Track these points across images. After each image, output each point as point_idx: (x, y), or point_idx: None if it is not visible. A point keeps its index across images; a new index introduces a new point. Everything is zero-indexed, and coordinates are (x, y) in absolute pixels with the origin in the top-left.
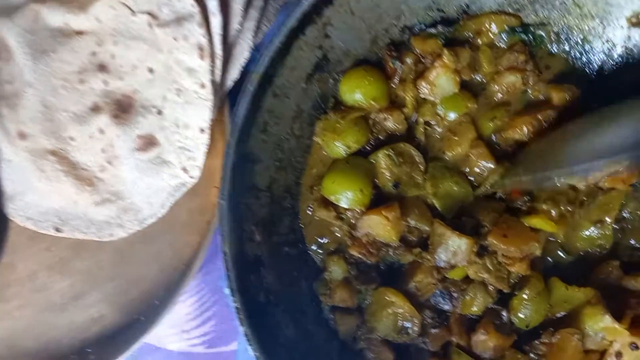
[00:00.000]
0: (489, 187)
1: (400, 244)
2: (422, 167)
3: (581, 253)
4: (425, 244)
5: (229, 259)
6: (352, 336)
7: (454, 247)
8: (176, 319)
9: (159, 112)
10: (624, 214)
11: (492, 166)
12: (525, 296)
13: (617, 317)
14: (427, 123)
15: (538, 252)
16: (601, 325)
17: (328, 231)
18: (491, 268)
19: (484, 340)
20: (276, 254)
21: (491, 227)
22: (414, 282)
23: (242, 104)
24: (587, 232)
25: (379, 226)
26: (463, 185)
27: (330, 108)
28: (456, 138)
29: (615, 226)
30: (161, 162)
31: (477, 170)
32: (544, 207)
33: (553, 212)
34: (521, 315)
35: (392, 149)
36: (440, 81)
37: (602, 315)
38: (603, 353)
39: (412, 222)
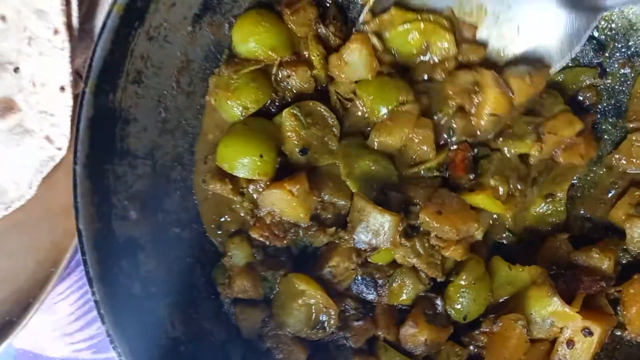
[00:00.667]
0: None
1: (312, 223)
2: (335, 131)
3: (529, 231)
4: (343, 222)
5: (86, 239)
6: (258, 334)
7: (375, 226)
8: (57, 321)
9: (16, 70)
10: (572, 181)
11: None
12: (462, 282)
13: (567, 299)
14: (343, 97)
15: (479, 236)
16: (549, 310)
17: (228, 208)
18: (421, 252)
19: (414, 334)
20: (161, 236)
21: (423, 203)
22: (329, 267)
23: (101, 45)
24: (537, 209)
25: (283, 202)
26: (383, 164)
27: (224, 61)
28: (390, 123)
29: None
30: (23, 132)
31: (412, 154)
32: (492, 182)
33: (501, 190)
34: (458, 306)
35: (299, 107)
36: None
37: (549, 298)
38: (553, 342)
39: (326, 197)
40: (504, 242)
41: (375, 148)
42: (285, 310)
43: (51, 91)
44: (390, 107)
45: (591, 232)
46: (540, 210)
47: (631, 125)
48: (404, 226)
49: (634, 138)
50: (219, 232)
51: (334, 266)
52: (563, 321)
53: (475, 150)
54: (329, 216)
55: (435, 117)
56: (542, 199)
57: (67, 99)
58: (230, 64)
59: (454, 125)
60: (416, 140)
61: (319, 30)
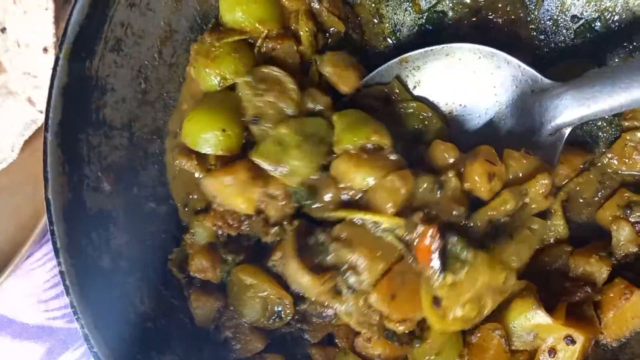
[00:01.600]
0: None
1: (257, 217)
2: (293, 95)
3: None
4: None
5: (55, 210)
6: (214, 324)
7: (296, 279)
8: (32, 287)
9: (3, 30)
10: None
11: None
12: (427, 347)
13: (550, 307)
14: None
15: None
16: (532, 322)
17: (196, 185)
18: (353, 312)
19: (366, 347)
20: (136, 210)
21: (372, 276)
22: (272, 261)
23: (78, 8)
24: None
25: (223, 191)
26: None
27: (208, 29)
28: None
29: None
30: (6, 93)
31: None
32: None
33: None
34: None
35: (252, 73)
36: None
37: (534, 311)
38: (534, 353)
39: (270, 190)
40: None
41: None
42: (240, 301)
43: (34, 52)
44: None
45: (576, 235)
46: (540, 229)
47: (626, 124)
48: (333, 285)
49: (627, 137)
50: (186, 210)
51: (275, 261)
52: (546, 332)
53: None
54: (273, 213)
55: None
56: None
57: (50, 61)
58: (214, 32)
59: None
60: (383, 187)
61: (312, 5)
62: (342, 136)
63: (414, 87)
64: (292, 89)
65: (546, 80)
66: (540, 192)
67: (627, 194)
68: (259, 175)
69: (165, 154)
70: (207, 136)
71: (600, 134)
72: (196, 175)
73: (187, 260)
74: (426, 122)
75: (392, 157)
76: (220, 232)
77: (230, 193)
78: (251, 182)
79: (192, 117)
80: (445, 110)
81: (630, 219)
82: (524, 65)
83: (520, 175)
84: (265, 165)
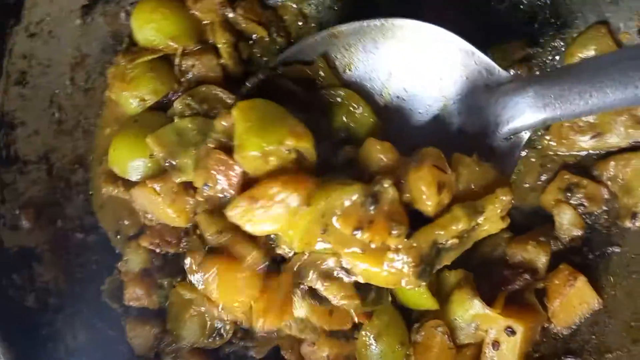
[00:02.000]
0: None
1: (195, 234)
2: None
3: None
4: None
5: None
6: (154, 351)
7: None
8: None
9: None
10: None
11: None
12: (365, 339)
13: (492, 299)
14: None
15: None
16: (471, 313)
17: (127, 211)
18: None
19: (314, 351)
20: (62, 244)
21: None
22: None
23: None
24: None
25: (152, 203)
26: None
27: (121, 50)
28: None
29: None
30: None
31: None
32: None
33: None
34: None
35: (192, 95)
36: None
37: (470, 300)
38: (481, 346)
39: (191, 202)
40: None
41: None
42: (179, 323)
43: None
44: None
45: (521, 222)
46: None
47: None
48: None
49: None
50: (118, 237)
51: None
52: (486, 323)
53: None
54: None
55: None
56: None
57: None
58: (127, 53)
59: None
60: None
61: (226, 15)
62: (244, 139)
63: (344, 70)
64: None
65: (504, 73)
66: (498, 211)
67: (567, 176)
68: (191, 185)
69: (90, 182)
70: (135, 164)
71: None
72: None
73: (121, 289)
74: (357, 115)
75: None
76: (158, 250)
77: (161, 204)
78: (182, 191)
79: (117, 145)
80: (381, 101)
81: (571, 202)
82: (478, 53)
83: (473, 187)
84: (156, 151)
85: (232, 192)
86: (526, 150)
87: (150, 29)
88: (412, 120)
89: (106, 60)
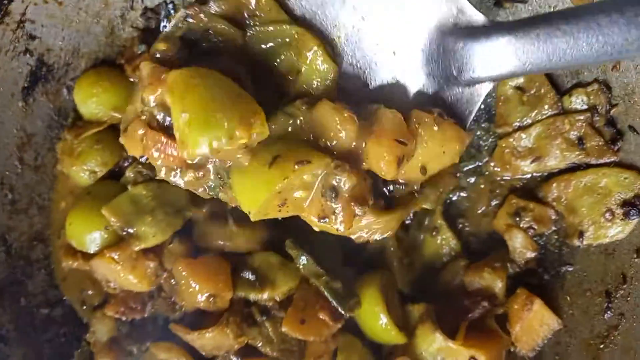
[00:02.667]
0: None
1: (160, 296)
2: None
3: (429, 268)
4: None
5: None
6: None
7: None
8: None
9: None
10: (452, 198)
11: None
12: None
13: (455, 330)
14: None
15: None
16: (435, 347)
17: (90, 281)
18: (273, 338)
19: None
20: (27, 321)
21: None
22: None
23: None
24: (429, 247)
25: (112, 271)
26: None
27: (68, 126)
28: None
29: None
30: None
31: None
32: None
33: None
34: None
35: (141, 163)
36: None
37: (432, 334)
38: None
39: (166, 264)
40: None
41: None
42: None
43: None
44: None
45: (478, 248)
46: (433, 246)
47: (499, 131)
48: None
49: (504, 145)
50: (84, 308)
51: None
52: (451, 356)
53: None
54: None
55: None
56: (429, 235)
57: None
58: (73, 128)
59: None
60: None
61: None
62: (186, 135)
63: None
64: None
65: (479, 16)
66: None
67: (514, 201)
68: (150, 249)
69: (51, 256)
70: (92, 236)
71: (481, 143)
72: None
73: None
74: (310, 62)
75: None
76: (124, 318)
77: (122, 272)
78: (141, 257)
79: (72, 219)
80: (334, 35)
81: (521, 225)
82: None
83: (431, 146)
84: (112, 221)
85: (175, 167)
86: (474, 177)
87: (93, 102)
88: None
89: (53, 135)
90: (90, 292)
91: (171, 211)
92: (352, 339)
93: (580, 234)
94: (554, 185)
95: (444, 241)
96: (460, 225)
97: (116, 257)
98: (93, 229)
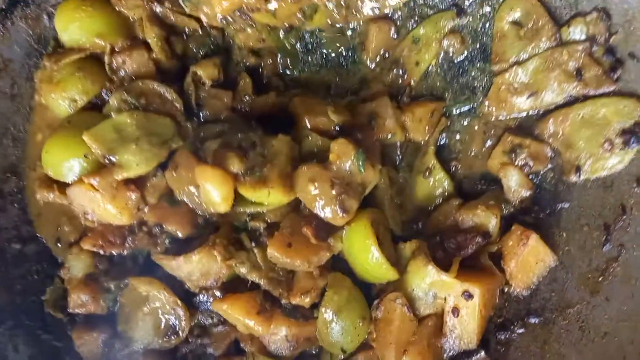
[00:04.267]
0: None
1: (141, 230)
2: (178, 106)
3: (422, 211)
4: None
5: None
6: (105, 358)
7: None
8: None
9: None
10: (442, 142)
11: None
12: (326, 317)
13: (448, 266)
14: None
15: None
16: (427, 281)
17: (66, 217)
18: (261, 264)
19: (272, 332)
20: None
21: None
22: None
23: None
24: (422, 189)
25: (91, 200)
26: None
27: (47, 53)
28: None
29: None
30: None
31: None
32: None
33: None
34: (332, 340)
35: (127, 90)
36: None
37: (425, 268)
38: (442, 316)
39: (149, 197)
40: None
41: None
42: (131, 324)
43: None
44: None
45: (470, 190)
46: (425, 188)
47: (495, 68)
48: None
49: (499, 82)
50: (59, 246)
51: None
52: (444, 290)
53: None
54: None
55: None
56: (421, 176)
57: None
58: (53, 55)
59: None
60: None
61: (154, 9)
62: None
63: None
64: (175, 98)
65: None
66: None
67: (510, 138)
68: (132, 181)
69: (25, 191)
70: (70, 164)
71: (476, 84)
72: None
73: (65, 298)
74: None
75: None
76: (102, 252)
77: (101, 201)
78: (122, 187)
79: (50, 147)
80: None
81: (517, 163)
82: None
83: None
84: (94, 148)
85: None
86: (467, 119)
87: (75, 27)
88: None
89: (32, 64)
90: (66, 228)
91: (156, 142)
92: (341, 276)
93: (577, 169)
94: (551, 120)
95: (437, 182)
96: (453, 168)
97: (95, 183)
98: (71, 156)
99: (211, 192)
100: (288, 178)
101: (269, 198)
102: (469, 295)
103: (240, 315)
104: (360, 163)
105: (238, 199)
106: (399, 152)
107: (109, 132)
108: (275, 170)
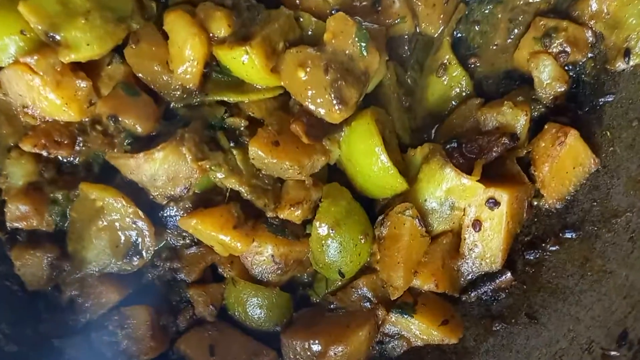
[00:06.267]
0: None
1: (94, 129)
2: None
3: (436, 118)
4: None
5: None
6: (52, 283)
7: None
8: None
9: None
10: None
11: None
12: (320, 232)
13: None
14: None
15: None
16: (444, 188)
17: (4, 115)
18: (242, 168)
19: (257, 251)
20: None
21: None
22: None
23: None
24: (435, 90)
25: (30, 88)
26: None
27: None
28: None
29: None
30: None
31: None
32: None
33: None
34: (327, 260)
35: None
36: None
37: (441, 171)
38: (459, 234)
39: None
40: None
41: None
42: (83, 242)
43: None
44: None
45: (493, 90)
46: (439, 89)
47: None
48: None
49: None
50: None
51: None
52: (463, 198)
53: None
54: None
55: None
56: (433, 75)
57: None
58: None
59: None
60: None
61: None
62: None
63: None
64: None
65: None
66: None
67: (543, 22)
68: (81, 66)
69: None
70: (4, 44)
71: None
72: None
73: (2, 212)
74: None
75: None
76: (46, 153)
77: (42, 89)
78: (68, 72)
79: None
80: None
81: (551, 50)
82: None
83: None
84: (32, 22)
85: None
86: (489, 7)
87: None
88: None
89: None
90: (3, 130)
91: (112, 18)
92: (339, 187)
93: (627, 53)
94: None
95: (453, 81)
96: (472, 66)
97: (33, 63)
98: (5, 33)
99: (182, 47)
100: (274, 53)
101: (247, 67)
102: (494, 203)
103: (213, 230)
104: (363, 44)
105: (211, 82)
106: (407, 48)
107: (51, 3)
108: (261, 32)
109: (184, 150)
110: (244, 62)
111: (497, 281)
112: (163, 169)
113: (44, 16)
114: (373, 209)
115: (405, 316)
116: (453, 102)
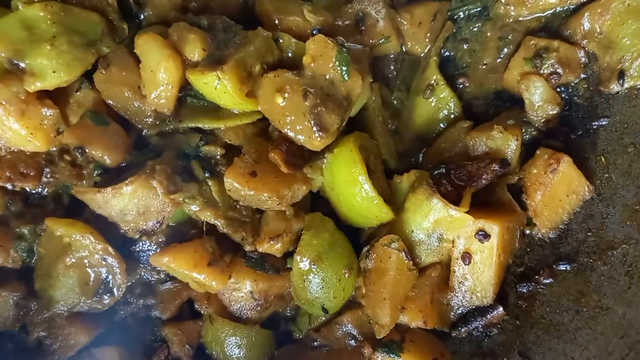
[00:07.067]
0: None
1: (62, 160)
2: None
3: (422, 141)
4: None
5: None
6: (19, 324)
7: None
8: None
9: None
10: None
11: None
12: (301, 267)
13: (457, 203)
14: None
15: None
16: (431, 219)
17: None
18: (218, 200)
19: (234, 288)
20: None
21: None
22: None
23: None
24: (421, 111)
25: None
26: None
27: None
28: None
29: None
30: None
31: None
32: None
33: None
34: (309, 296)
35: None
36: None
37: (428, 201)
38: (447, 264)
39: (71, 109)
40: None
41: None
42: (50, 279)
43: None
44: None
45: (483, 112)
46: (427, 110)
47: None
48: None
49: None
50: None
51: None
52: (452, 230)
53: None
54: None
55: None
56: (420, 96)
57: None
58: None
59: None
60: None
61: None
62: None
63: None
64: None
65: None
66: None
67: (533, 41)
68: (47, 93)
69: None
70: None
71: None
72: None
73: None
74: None
75: None
76: (11, 186)
77: (6, 118)
78: (33, 100)
79: None
80: None
81: (542, 72)
82: None
83: None
84: None
85: None
86: (478, 24)
87: None
88: None
89: None
90: None
91: (80, 42)
92: (321, 217)
93: (621, 75)
94: (586, 15)
95: (440, 102)
96: (460, 86)
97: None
98: None
99: (155, 70)
100: (250, 77)
101: (219, 92)
102: (484, 235)
103: (186, 269)
104: (344, 68)
105: (186, 107)
106: (392, 68)
107: (15, 29)
108: (235, 56)
109: (155, 184)
110: (217, 87)
111: (489, 316)
112: (133, 203)
113: (7, 43)
114: (359, 237)
115: (393, 355)
116: (441, 125)
